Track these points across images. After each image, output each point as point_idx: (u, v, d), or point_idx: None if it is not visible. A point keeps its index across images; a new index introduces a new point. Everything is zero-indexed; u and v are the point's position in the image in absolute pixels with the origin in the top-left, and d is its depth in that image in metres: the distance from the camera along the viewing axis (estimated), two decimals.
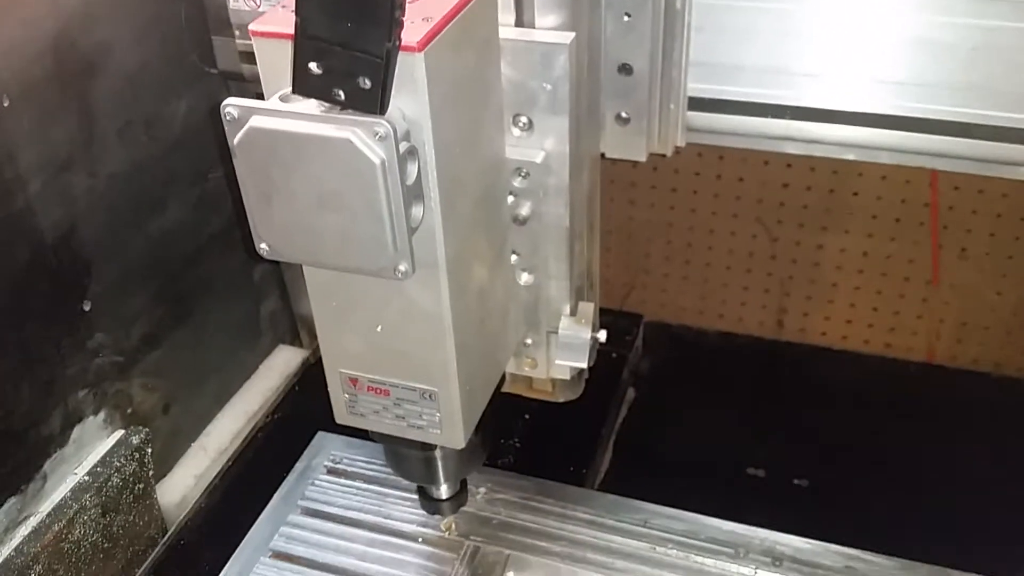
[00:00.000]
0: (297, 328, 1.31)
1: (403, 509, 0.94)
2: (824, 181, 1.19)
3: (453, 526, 0.91)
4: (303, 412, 1.16)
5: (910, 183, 1.16)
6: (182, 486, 1.10)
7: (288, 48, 0.52)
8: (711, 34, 0.80)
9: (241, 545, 0.93)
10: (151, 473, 1.01)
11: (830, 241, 1.23)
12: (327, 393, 0.74)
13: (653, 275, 1.34)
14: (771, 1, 0.78)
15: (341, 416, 0.75)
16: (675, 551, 0.88)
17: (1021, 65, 0.79)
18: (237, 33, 0.96)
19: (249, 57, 0.97)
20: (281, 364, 1.28)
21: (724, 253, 1.30)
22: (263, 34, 0.55)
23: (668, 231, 1.30)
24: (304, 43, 0.49)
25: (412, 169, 0.56)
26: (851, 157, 0.85)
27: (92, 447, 0.97)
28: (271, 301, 1.27)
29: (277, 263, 1.25)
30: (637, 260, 1.34)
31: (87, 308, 0.94)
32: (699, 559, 0.88)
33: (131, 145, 0.96)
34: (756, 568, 0.87)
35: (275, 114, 0.53)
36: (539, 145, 0.70)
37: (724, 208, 1.26)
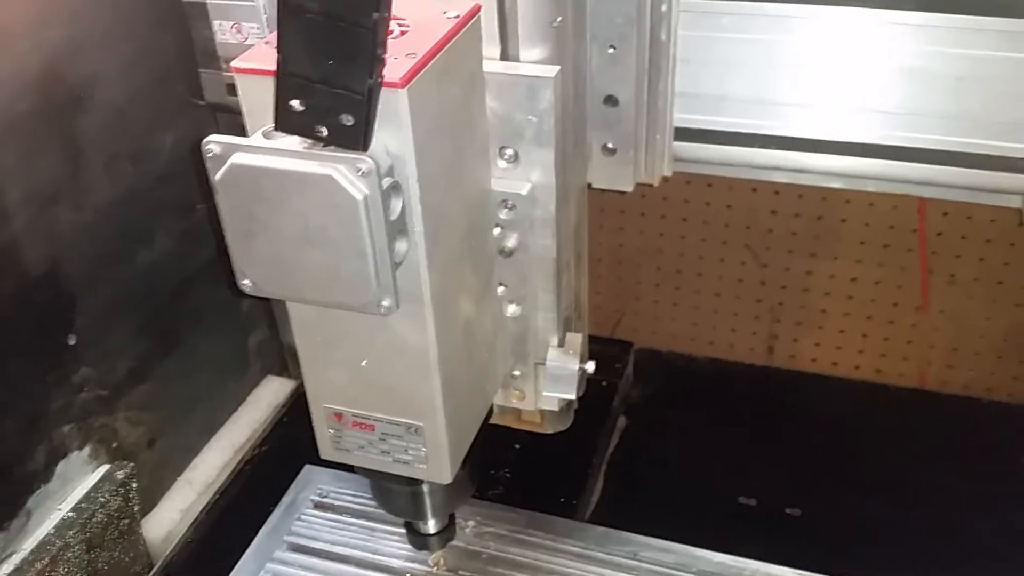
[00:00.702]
0: (286, 358, 1.31)
1: (391, 544, 0.93)
2: (812, 208, 1.19)
3: (442, 561, 0.90)
4: (291, 444, 1.15)
5: (898, 209, 1.16)
6: (168, 521, 1.09)
7: (271, 85, 0.52)
8: (697, 65, 0.81)
9: None
10: (136, 508, 1.00)
11: (819, 267, 1.23)
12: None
13: (643, 302, 1.34)
14: (756, 32, 0.78)
15: (326, 452, 0.74)
16: None
17: (1006, 94, 0.79)
18: (225, 65, 0.96)
19: (236, 90, 0.97)
20: (269, 395, 1.27)
21: (714, 279, 1.29)
22: (246, 71, 0.55)
23: (658, 258, 1.30)
24: (286, 80, 0.49)
25: (396, 204, 0.55)
26: (837, 185, 0.85)
27: (77, 482, 0.96)
28: (259, 331, 1.26)
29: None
30: (627, 287, 1.34)
31: (72, 342, 0.94)
32: None
33: (118, 178, 0.96)
34: None
35: (257, 151, 0.53)
36: (525, 177, 0.70)
37: (713, 235, 1.26)
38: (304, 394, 0.73)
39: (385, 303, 0.57)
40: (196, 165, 1.04)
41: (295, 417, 1.23)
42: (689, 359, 1.34)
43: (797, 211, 1.20)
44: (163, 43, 0.97)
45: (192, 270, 1.09)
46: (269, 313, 1.27)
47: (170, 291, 1.07)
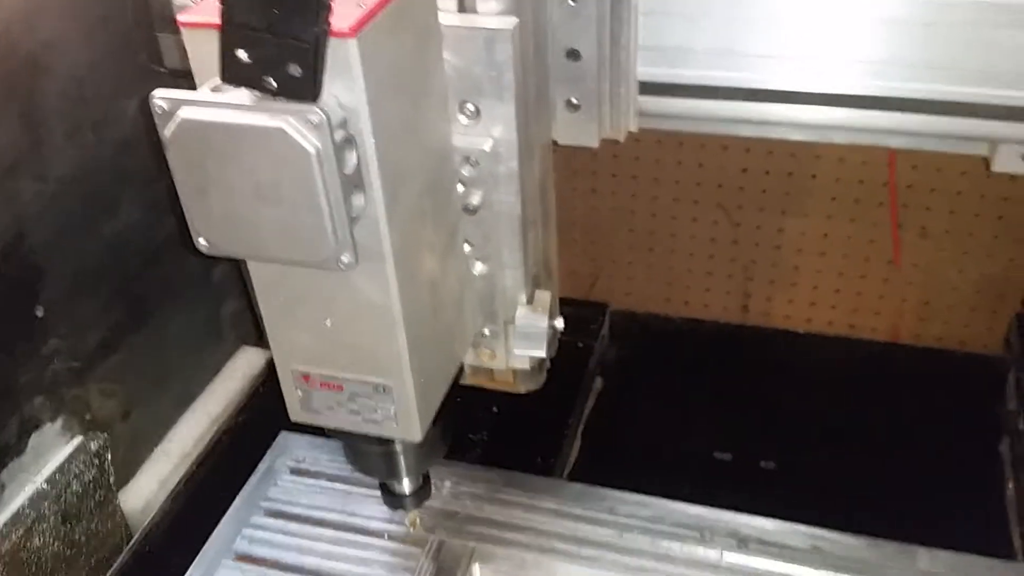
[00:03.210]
0: (261, 328, 1.30)
1: (367, 507, 0.93)
2: (782, 165, 1.19)
3: (418, 521, 0.90)
4: (267, 413, 1.15)
5: (868, 164, 1.16)
6: (145, 492, 1.09)
7: (217, 37, 0.51)
8: (660, 17, 0.80)
9: (203, 549, 0.92)
10: (112, 479, 1.00)
11: (790, 224, 1.24)
12: None
13: (618, 264, 1.34)
14: None
15: (295, 413, 0.74)
16: (641, 537, 0.88)
17: (975, 40, 0.79)
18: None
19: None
20: (244, 365, 1.27)
21: (687, 239, 1.30)
22: (191, 24, 0.55)
23: (631, 219, 1.30)
24: (231, 30, 0.48)
25: (350, 158, 0.55)
26: (801, 137, 0.85)
27: (50, 455, 0.96)
28: (232, 302, 1.25)
29: (236, 262, 1.25)
30: (601, 250, 1.34)
31: (40, 314, 0.93)
32: (666, 543, 0.87)
33: (80, 147, 0.95)
34: (722, 550, 0.87)
35: (206, 105, 0.52)
36: (487, 132, 0.70)
37: (685, 194, 1.26)
38: None
39: (344, 259, 0.57)
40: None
41: (271, 387, 1.21)
42: (664, 319, 1.35)
43: (767, 168, 1.20)
44: (121, 9, 0.96)
45: (160, 240, 1.09)
46: (242, 283, 1.26)
47: (139, 262, 1.06)
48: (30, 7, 0.86)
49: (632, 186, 1.27)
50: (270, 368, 1.25)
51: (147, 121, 1.00)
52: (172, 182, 1.05)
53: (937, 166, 1.15)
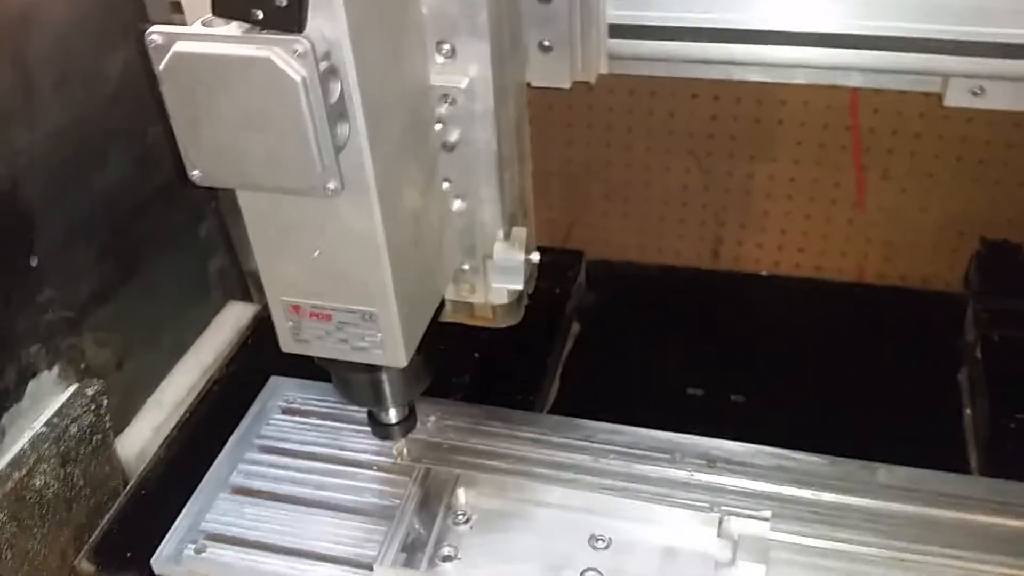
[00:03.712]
0: (247, 284, 1.34)
1: (356, 441, 0.98)
2: (749, 111, 1.23)
3: (404, 451, 0.94)
4: (257, 364, 1.18)
5: (831, 108, 1.20)
6: (140, 439, 1.13)
7: None
8: None
9: (201, 483, 0.96)
10: (108, 424, 1.03)
11: (759, 170, 1.28)
12: (279, 344, 0.77)
13: (593, 213, 1.38)
14: None
15: (287, 344, 0.77)
16: (616, 461, 0.93)
17: None
18: None
19: (179, 7, 0.99)
20: (232, 319, 1.30)
21: (660, 188, 1.34)
22: None
23: (606, 169, 1.34)
24: None
25: (334, 88, 0.58)
26: (761, 78, 0.89)
27: (48, 401, 0.99)
28: (219, 258, 1.29)
29: (222, 219, 1.28)
30: (577, 200, 1.38)
31: (34, 263, 0.96)
32: (639, 466, 0.92)
33: (69, 100, 0.98)
34: (692, 471, 0.92)
35: (198, 38, 0.56)
36: (463, 71, 0.73)
37: (658, 144, 1.29)
38: (268, 318, 0.76)
39: (331, 185, 0.61)
40: (146, 88, 1.06)
41: (259, 339, 1.26)
42: (639, 266, 1.39)
43: (736, 115, 1.24)
44: None
45: (149, 193, 1.11)
46: (227, 239, 1.29)
47: (128, 215, 1.09)
48: None
49: (606, 136, 1.31)
50: (258, 322, 1.29)
51: (133, 76, 1.04)
52: (161, 131, 1.08)
53: (897, 109, 1.19)
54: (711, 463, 0.92)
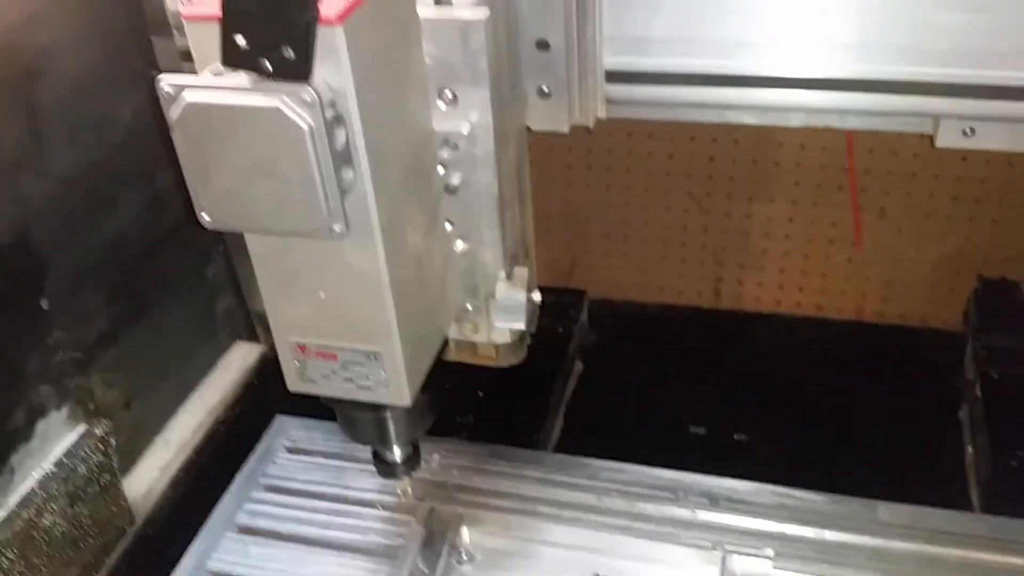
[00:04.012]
0: (253, 324, 1.35)
1: (361, 480, 0.99)
2: (747, 152, 1.26)
3: (409, 490, 0.95)
4: (262, 404, 1.20)
5: (827, 150, 1.23)
6: (147, 479, 1.13)
7: (216, 29, 0.56)
8: (623, 8, 0.86)
9: (207, 523, 0.97)
10: (116, 464, 1.04)
11: (757, 210, 1.30)
12: (285, 385, 0.78)
13: (594, 253, 1.40)
14: None
15: (293, 384, 0.79)
16: (619, 499, 0.93)
17: (913, 21, 0.84)
18: (176, 33, 1.00)
19: (189, 56, 1.01)
20: (239, 359, 1.32)
21: (660, 228, 1.35)
22: (193, 17, 0.60)
23: (606, 210, 1.36)
24: (230, 17, 0.54)
25: (340, 134, 0.60)
26: (756, 121, 0.91)
27: (57, 441, 1.00)
28: (226, 298, 1.30)
29: (229, 261, 1.30)
30: (578, 240, 1.40)
31: (45, 306, 0.97)
32: (642, 505, 0.93)
33: (80, 147, 1.00)
34: (695, 509, 0.92)
35: (207, 88, 0.58)
36: (464, 117, 0.75)
37: (656, 184, 1.32)
38: (274, 358, 0.77)
39: (336, 228, 0.62)
40: (156, 133, 1.09)
41: (265, 380, 1.28)
42: (640, 306, 1.41)
43: (734, 157, 1.27)
44: (116, 14, 1.01)
45: (157, 237, 1.13)
46: (234, 281, 1.31)
47: (137, 258, 1.11)
48: (30, 15, 0.91)
49: (606, 178, 1.33)
50: (263, 362, 1.31)
51: (143, 122, 1.06)
52: (170, 176, 1.10)
53: (892, 149, 1.21)
54: (713, 501, 0.92)
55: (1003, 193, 1.22)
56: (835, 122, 0.95)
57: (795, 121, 0.95)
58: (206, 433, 1.18)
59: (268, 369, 1.28)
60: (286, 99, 0.57)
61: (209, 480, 1.08)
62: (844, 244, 1.30)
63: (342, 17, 0.57)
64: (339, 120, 0.60)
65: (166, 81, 0.58)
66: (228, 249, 1.27)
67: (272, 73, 0.56)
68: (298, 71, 0.55)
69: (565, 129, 0.89)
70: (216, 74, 0.58)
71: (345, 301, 0.72)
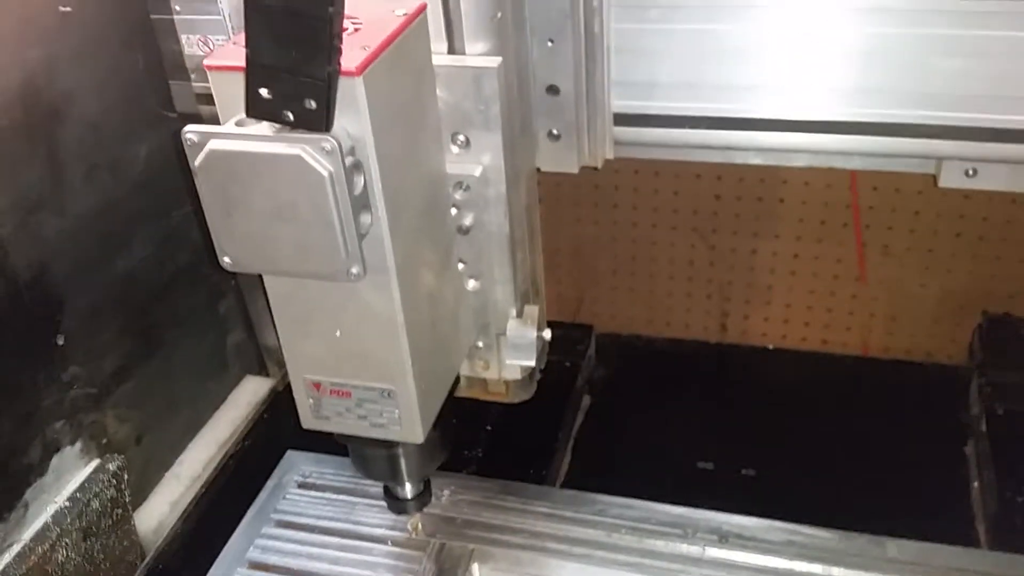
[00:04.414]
0: (263, 358, 1.36)
1: (371, 515, 0.99)
2: (752, 190, 1.27)
3: (419, 526, 0.96)
4: (272, 438, 1.21)
5: (831, 187, 1.24)
6: (158, 513, 1.14)
7: (240, 79, 0.58)
8: (629, 54, 0.88)
9: (218, 558, 0.97)
10: (128, 499, 1.05)
11: (762, 246, 1.31)
12: (295, 418, 0.80)
13: (601, 288, 1.41)
14: (681, 23, 0.86)
15: (307, 421, 0.80)
16: (629, 536, 0.94)
17: (911, 65, 0.86)
18: (193, 76, 1.02)
19: (205, 99, 1.04)
20: (249, 394, 1.33)
21: (666, 263, 1.37)
22: (217, 67, 0.62)
23: (613, 246, 1.38)
24: (255, 71, 0.56)
25: (358, 181, 0.62)
26: (760, 161, 0.93)
27: (71, 476, 1.01)
28: (236, 333, 1.32)
29: (241, 296, 1.32)
30: (586, 275, 1.41)
31: (60, 342, 0.99)
32: (651, 541, 0.94)
33: (97, 187, 1.02)
34: (704, 546, 0.93)
35: (231, 136, 0.60)
36: (477, 160, 0.77)
37: (663, 221, 1.33)
38: (283, 391, 0.79)
39: (354, 270, 0.64)
40: (170, 174, 1.11)
41: (274, 414, 1.29)
42: (647, 340, 1.42)
43: (739, 194, 1.28)
44: (134, 59, 1.04)
45: (169, 275, 1.15)
46: (245, 315, 1.32)
47: (150, 295, 1.13)
48: (51, 60, 0.94)
49: (613, 214, 1.35)
50: (273, 396, 1.32)
51: (158, 162, 1.08)
52: (184, 214, 1.12)
53: (896, 187, 1.23)
54: (723, 538, 0.93)
55: (1006, 230, 1.23)
56: (839, 163, 0.97)
57: (800, 162, 0.96)
58: (216, 467, 1.19)
59: (278, 402, 1.29)
60: (307, 147, 0.58)
61: (219, 514, 1.08)
62: (849, 280, 1.31)
63: (362, 69, 0.59)
64: (358, 167, 0.62)
65: (191, 130, 0.60)
66: (240, 284, 1.29)
67: (294, 123, 0.57)
68: (319, 121, 0.57)
69: (575, 170, 0.91)
70: (238, 123, 0.60)
71: (361, 340, 0.73)
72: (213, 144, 0.60)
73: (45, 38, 0.93)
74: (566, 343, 1.31)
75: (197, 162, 0.61)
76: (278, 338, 0.75)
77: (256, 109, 0.57)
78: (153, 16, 1.01)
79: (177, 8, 0.98)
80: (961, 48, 0.83)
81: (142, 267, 1.10)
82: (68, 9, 0.95)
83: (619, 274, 1.40)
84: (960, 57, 0.83)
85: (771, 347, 1.39)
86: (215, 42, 0.99)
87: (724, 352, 1.40)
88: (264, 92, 0.57)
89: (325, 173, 0.59)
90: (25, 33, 0.91)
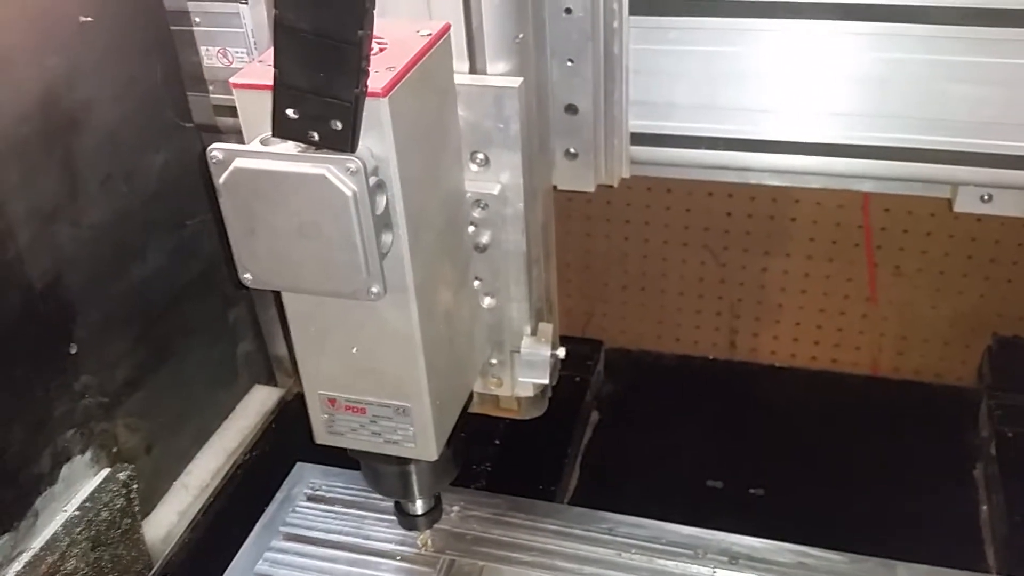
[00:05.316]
0: (272, 368, 1.36)
1: (381, 530, 0.99)
2: (764, 209, 1.27)
3: (429, 542, 0.96)
4: (281, 448, 1.21)
5: (843, 207, 1.24)
6: (166, 523, 1.14)
7: (266, 98, 0.58)
8: (647, 75, 0.88)
9: (227, 572, 0.97)
10: (137, 509, 1.05)
11: (773, 264, 1.31)
12: (304, 428, 0.80)
13: (611, 303, 1.41)
14: (699, 44, 0.86)
15: (321, 436, 0.80)
16: (639, 556, 0.94)
17: (926, 92, 0.87)
18: (211, 88, 1.02)
19: (222, 111, 1.04)
20: (258, 403, 1.33)
21: (677, 280, 1.37)
22: (244, 86, 0.62)
23: (624, 261, 1.38)
24: (282, 91, 0.56)
25: (381, 201, 0.62)
26: (776, 183, 0.93)
27: (81, 485, 1.01)
28: (247, 343, 1.32)
29: (251, 305, 1.32)
30: (596, 290, 1.41)
31: (73, 351, 0.99)
32: (662, 562, 0.93)
33: (112, 196, 1.02)
34: (715, 567, 0.93)
35: (256, 155, 0.60)
36: (495, 179, 0.77)
37: (674, 237, 1.33)
38: (292, 401, 0.79)
39: (374, 289, 0.64)
40: (185, 184, 1.11)
41: (283, 424, 1.29)
42: (656, 356, 1.42)
43: (750, 212, 1.28)
44: (152, 69, 1.04)
45: (182, 285, 1.15)
46: (256, 325, 1.33)
47: (162, 304, 1.13)
48: (70, 68, 0.94)
49: (624, 230, 1.35)
50: (282, 406, 1.32)
51: (173, 172, 1.09)
52: (198, 224, 1.12)
53: (908, 209, 1.23)
54: (733, 559, 0.93)
55: (1018, 253, 1.23)
56: (855, 186, 0.97)
57: (814, 184, 0.97)
58: (225, 477, 1.19)
59: (287, 412, 1.29)
60: (332, 167, 0.59)
61: (228, 525, 1.08)
62: (859, 300, 1.31)
63: (388, 90, 0.59)
64: (381, 187, 0.62)
65: (217, 148, 0.60)
66: (252, 293, 1.29)
67: (319, 143, 0.58)
68: (344, 142, 0.57)
69: (591, 188, 0.91)
70: (263, 142, 0.60)
71: (377, 357, 0.73)
72: (239, 162, 0.60)
73: (65, 48, 0.93)
74: (575, 358, 1.30)
75: (222, 179, 0.61)
76: (293, 353, 0.76)
77: (282, 129, 0.57)
78: (173, 27, 1.01)
79: (197, 20, 0.99)
80: (977, 75, 0.83)
81: (155, 277, 1.10)
82: (89, 19, 0.95)
83: (629, 289, 1.40)
84: (976, 84, 0.84)
85: (780, 365, 1.39)
86: (234, 54, 0.99)
87: (733, 369, 1.40)
88: (291, 112, 0.57)
89: (349, 193, 0.59)
90: (45, 43, 0.91)
